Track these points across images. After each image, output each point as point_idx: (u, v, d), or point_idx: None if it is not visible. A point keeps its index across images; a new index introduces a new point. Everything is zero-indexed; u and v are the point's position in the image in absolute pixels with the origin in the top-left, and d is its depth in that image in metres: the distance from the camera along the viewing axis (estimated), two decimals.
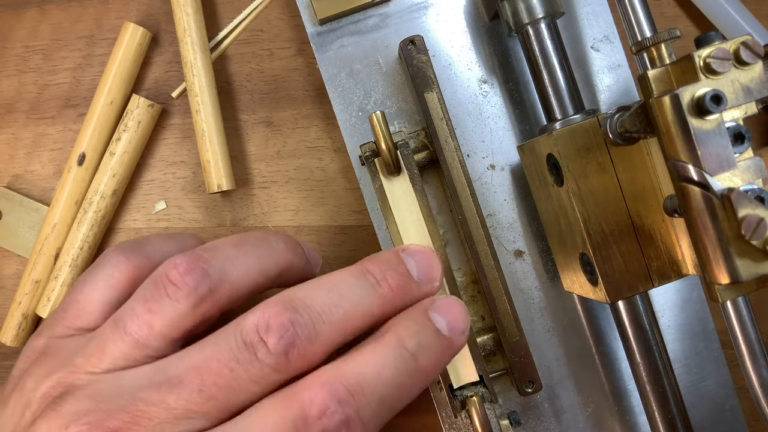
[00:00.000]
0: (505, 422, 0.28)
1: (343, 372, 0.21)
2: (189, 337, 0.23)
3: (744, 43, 0.20)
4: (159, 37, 0.34)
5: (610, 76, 0.30)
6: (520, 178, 0.30)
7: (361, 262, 0.24)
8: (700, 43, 0.21)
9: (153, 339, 0.22)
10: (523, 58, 0.30)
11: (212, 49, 0.33)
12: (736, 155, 0.21)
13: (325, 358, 0.22)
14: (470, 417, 0.26)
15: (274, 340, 0.20)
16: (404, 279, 0.23)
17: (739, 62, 0.20)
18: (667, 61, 0.24)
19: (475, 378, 0.27)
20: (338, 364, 0.21)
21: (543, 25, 0.27)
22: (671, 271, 0.25)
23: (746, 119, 0.21)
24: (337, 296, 0.22)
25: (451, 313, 0.23)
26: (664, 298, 0.30)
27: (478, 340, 0.28)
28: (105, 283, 0.25)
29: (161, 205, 0.34)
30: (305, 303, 0.21)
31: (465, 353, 0.27)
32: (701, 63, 0.20)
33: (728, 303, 0.23)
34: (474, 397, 0.26)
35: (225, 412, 0.21)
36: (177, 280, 0.22)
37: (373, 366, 0.21)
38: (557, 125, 0.27)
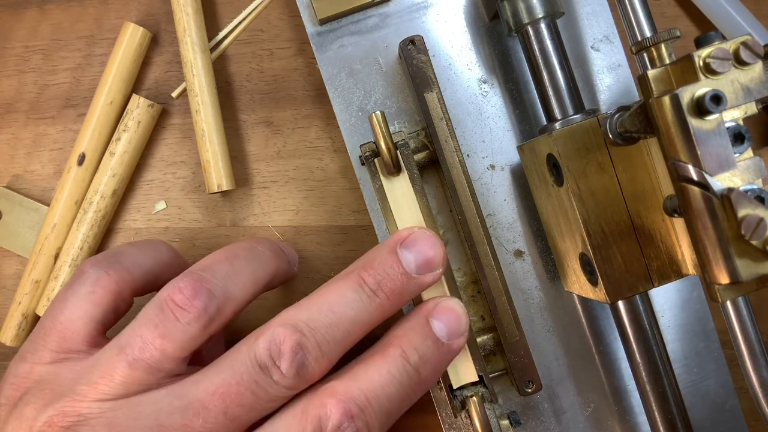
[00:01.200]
0: (505, 422, 0.28)
1: (353, 388, 0.22)
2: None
3: (744, 43, 0.20)
4: (159, 37, 0.34)
5: (610, 76, 0.30)
6: (520, 178, 0.30)
7: (357, 269, 0.24)
8: (700, 43, 0.21)
9: (165, 362, 0.23)
10: (523, 58, 0.30)
11: (212, 49, 0.33)
12: (736, 155, 0.21)
13: (331, 368, 0.23)
14: (470, 417, 0.26)
15: (287, 364, 0.22)
16: (400, 282, 0.24)
17: (739, 62, 0.20)
18: (667, 61, 0.24)
19: (475, 378, 0.27)
20: (347, 380, 0.23)
21: (543, 25, 0.27)
22: (671, 271, 0.25)
23: (746, 119, 0.21)
24: (337, 316, 0.23)
25: (450, 319, 0.24)
26: (664, 298, 0.30)
27: (478, 340, 0.28)
28: (86, 300, 0.25)
29: (161, 205, 0.34)
30: (309, 326, 0.23)
31: (465, 353, 0.27)
32: (701, 63, 0.20)
33: (728, 303, 0.23)
34: (474, 397, 0.26)
35: (245, 428, 0.22)
36: (185, 304, 0.23)
37: (379, 382, 0.23)
38: (557, 125, 0.27)
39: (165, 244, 0.29)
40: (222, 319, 0.24)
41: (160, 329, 0.23)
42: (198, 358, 0.25)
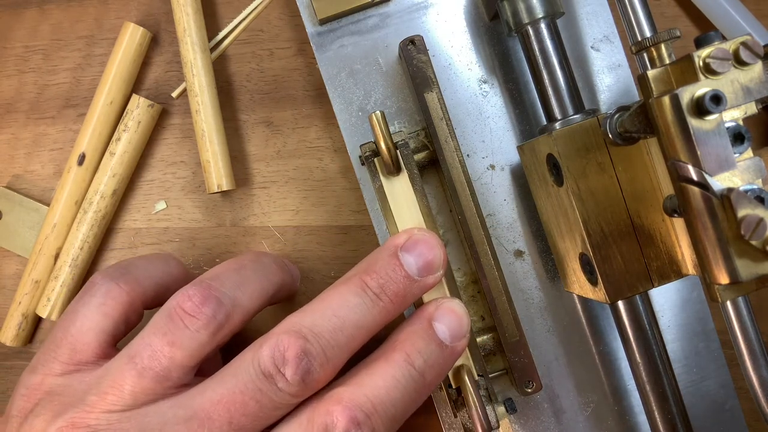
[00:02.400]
0: (501, 408, 0.28)
1: (358, 395, 0.22)
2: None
3: (744, 43, 0.20)
4: (159, 37, 0.34)
5: (610, 76, 0.30)
6: (520, 178, 0.30)
7: (359, 273, 0.24)
8: (699, 43, 0.21)
9: (174, 370, 0.23)
10: (523, 58, 0.30)
11: (212, 49, 0.33)
12: (736, 155, 0.21)
13: (336, 373, 0.23)
14: (464, 397, 0.26)
15: (292, 371, 0.22)
16: (403, 285, 0.24)
17: (739, 62, 0.20)
18: (667, 61, 0.24)
19: (464, 361, 0.27)
20: (353, 387, 0.22)
21: (543, 25, 0.27)
22: (671, 271, 0.25)
23: (746, 119, 0.21)
24: (341, 320, 0.23)
25: (452, 321, 0.24)
26: (664, 298, 0.30)
27: (478, 340, 0.28)
28: (97, 311, 0.25)
29: (161, 205, 0.34)
30: (313, 331, 0.22)
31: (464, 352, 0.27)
32: (701, 63, 0.20)
33: (728, 303, 0.23)
34: (465, 375, 0.26)
35: None
36: (194, 311, 0.23)
37: (385, 388, 0.22)
38: (557, 125, 0.27)
39: (174, 258, 0.29)
40: (230, 327, 0.24)
41: (169, 337, 0.23)
42: (200, 371, 0.25)
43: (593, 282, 0.26)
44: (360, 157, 0.29)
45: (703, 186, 0.20)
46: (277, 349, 0.22)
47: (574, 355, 0.30)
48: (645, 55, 0.24)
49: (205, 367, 0.27)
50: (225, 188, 0.32)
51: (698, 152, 0.20)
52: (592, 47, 0.30)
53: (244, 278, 0.25)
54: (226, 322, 0.23)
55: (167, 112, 0.34)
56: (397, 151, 0.27)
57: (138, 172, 0.34)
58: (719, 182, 0.20)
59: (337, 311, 0.23)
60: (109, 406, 0.22)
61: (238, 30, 0.34)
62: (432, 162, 0.29)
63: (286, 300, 0.33)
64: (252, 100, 0.34)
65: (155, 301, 0.27)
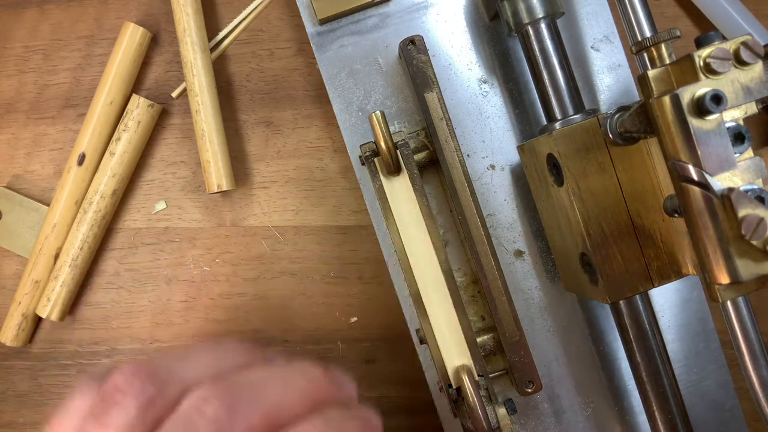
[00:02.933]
0: (502, 410, 0.28)
1: None
2: None
3: (744, 43, 0.20)
4: (159, 37, 0.34)
5: (610, 76, 0.30)
6: (520, 178, 0.30)
7: None
8: (700, 43, 0.21)
9: None
10: (523, 58, 0.30)
11: (212, 49, 0.33)
12: (736, 155, 0.21)
13: None
14: (464, 398, 0.26)
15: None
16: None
17: (739, 62, 0.20)
18: (667, 61, 0.24)
19: (464, 361, 0.27)
20: None
21: (543, 25, 0.27)
22: (671, 271, 0.25)
23: (746, 119, 0.21)
24: None
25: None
26: (664, 298, 0.30)
27: (478, 340, 0.28)
28: (75, 414, 0.24)
29: (161, 205, 0.34)
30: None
31: (464, 350, 0.27)
32: (701, 63, 0.20)
33: (728, 303, 0.23)
34: (465, 375, 0.26)
35: None
36: (123, 385, 0.22)
37: None
38: (557, 125, 0.27)
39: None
40: (167, 400, 0.22)
41: (100, 418, 0.22)
42: None
43: (593, 282, 0.26)
44: (360, 157, 0.29)
45: (704, 186, 0.20)
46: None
47: (574, 355, 0.30)
48: (645, 55, 0.24)
49: None
50: (225, 188, 0.32)
51: (699, 152, 0.20)
52: (592, 47, 0.30)
53: (190, 351, 0.24)
54: (158, 395, 0.22)
55: (167, 112, 0.34)
56: (397, 151, 0.27)
57: (138, 172, 0.34)
58: (720, 182, 0.20)
59: None
60: None
61: (238, 30, 0.34)
62: (432, 162, 0.29)
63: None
64: (252, 100, 0.34)
65: None
